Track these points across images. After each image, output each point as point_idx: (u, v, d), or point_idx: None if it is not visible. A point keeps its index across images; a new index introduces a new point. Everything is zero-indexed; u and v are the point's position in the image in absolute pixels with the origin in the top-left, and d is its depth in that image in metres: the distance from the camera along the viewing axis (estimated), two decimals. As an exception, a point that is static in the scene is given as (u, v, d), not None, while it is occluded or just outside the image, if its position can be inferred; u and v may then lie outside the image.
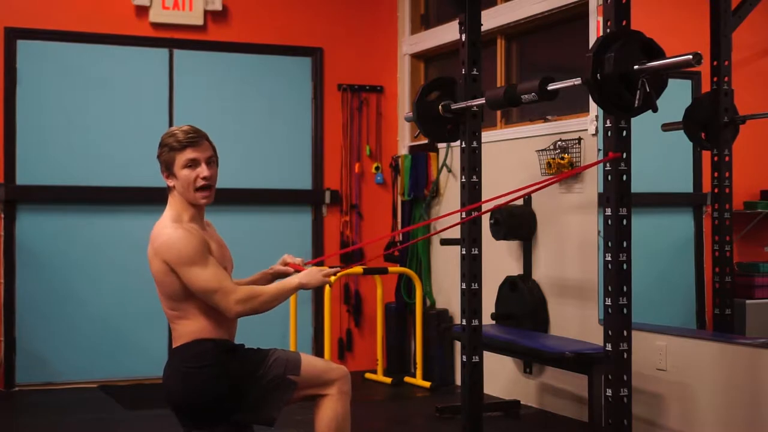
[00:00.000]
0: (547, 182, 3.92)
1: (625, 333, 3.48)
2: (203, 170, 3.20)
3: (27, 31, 6.27)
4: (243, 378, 3.17)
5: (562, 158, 5.29)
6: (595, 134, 5.10)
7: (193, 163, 3.19)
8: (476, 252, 4.39)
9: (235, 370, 3.17)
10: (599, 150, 4.95)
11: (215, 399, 3.14)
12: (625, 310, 3.49)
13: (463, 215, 4.36)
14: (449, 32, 6.33)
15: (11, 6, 6.27)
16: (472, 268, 4.38)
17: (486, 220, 5.30)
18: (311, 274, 3.28)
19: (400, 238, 6.85)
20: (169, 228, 3.15)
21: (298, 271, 3.43)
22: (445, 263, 6.49)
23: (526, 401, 5.67)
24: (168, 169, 3.21)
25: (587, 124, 5.20)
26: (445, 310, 6.52)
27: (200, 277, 3.08)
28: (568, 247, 5.39)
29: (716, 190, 4.76)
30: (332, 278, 3.37)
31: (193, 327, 3.16)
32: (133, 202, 6.45)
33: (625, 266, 3.49)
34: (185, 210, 3.22)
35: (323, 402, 3.26)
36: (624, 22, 3.46)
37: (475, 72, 4.39)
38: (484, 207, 4.40)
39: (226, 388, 3.15)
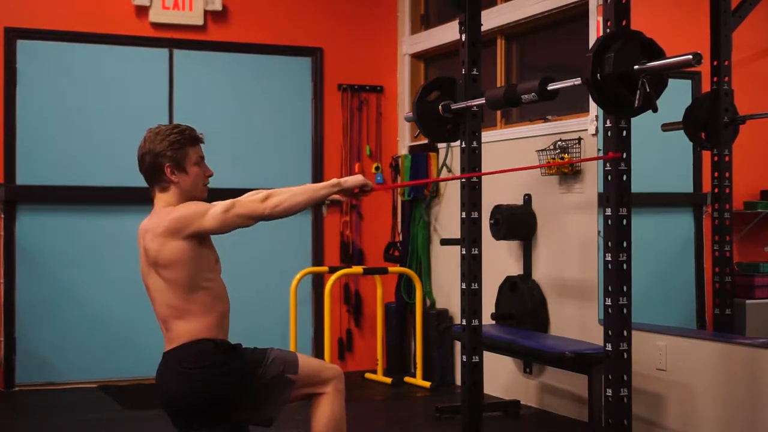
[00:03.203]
0: (540, 165, 3.92)
1: (625, 333, 3.48)
2: (207, 168, 3.26)
3: (27, 31, 6.27)
4: (243, 378, 3.16)
5: (562, 158, 5.29)
6: (595, 134, 5.10)
7: (201, 160, 3.23)
8: (476, 252, 4.39)
9: (236, 370, 3.16)
10: (599, 150, 4.95)
11: (215, 399, 3.13)
12: (625, 310, 3.49)
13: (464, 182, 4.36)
14: (449, 32, 6.32)
15: (11, 6, 6.27)
16: (472, 268, 4.38)
17: (486, 220, 5.30)
18: (349, 177, 3.25)
19: (400, 238, 6.85)
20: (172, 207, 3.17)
21: None
22: (445, 263, 6.49)
23: (526, 401, 5.67)
24: (179, 165, 3.18)
25: (587, 124, 5.20)
26: (445, 310, 6.53)
27: (216, 209, 3.07)
28: (568, 247, 5.39)
29: (716, 190, 4.76)
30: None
31: (191, 327, 3.13)
32: (132, 202, 6.44)
33: (625, 266, 3.49)
34: None
35: (320, 400, 3.26)
36: (624, 22, 3.46)
37: (475, 72, 4.39)
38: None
39: (227, 388, 3.13)
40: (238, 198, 3.12)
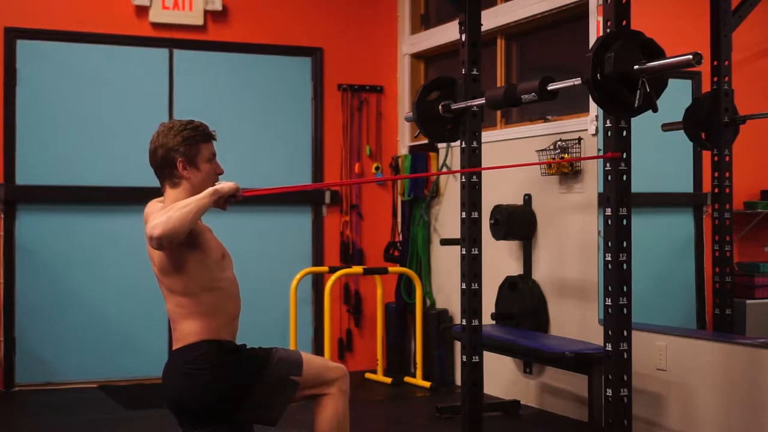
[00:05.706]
0: (541, 162, 3.92)
1: (625, 333, 3.48)
2: (219, 166, 3.22)
3: (27, 31, 6.27)
4: (247, 379, 3.16)
5: (562, 158, 5.28)
6: (595, 134, 5.10)
7: (213, 157, 3.20)
8: (476, 252, 4.39)
9: (239, 371, 3.16)
10: (599, 150, 4.95)
11: (219, 400, 3.13)
12: (625, 310, 3.49)
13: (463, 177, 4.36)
14: (449, 32, 6.33)
15: (11, 6, 6.27)
16: (472, 268, 4.38)
17: (486, 220, 5.30)
18: (224, 183, 3.07)
19: (400, 238, 6.85)
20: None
21: None
22: (445, 263, 6.49)
23: (526, 401, 5.67)
24: (191, 161, 3.14)
25: (587, 124, 5.20)
26: (445, 310, 6.52)
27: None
28: (568, 247, 5.39)
29: (716, 190, 4.76)
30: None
31: (197, 327, 3.12)
32: (132, 202, 6.44)
33: (625, 266, 3.49)
34: None
35: (324, 401, 3.26)
36: (624, 22, 3.46)
37: (475, 72, 4.39)
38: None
39: (231, 389, 3.13)
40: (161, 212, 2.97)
